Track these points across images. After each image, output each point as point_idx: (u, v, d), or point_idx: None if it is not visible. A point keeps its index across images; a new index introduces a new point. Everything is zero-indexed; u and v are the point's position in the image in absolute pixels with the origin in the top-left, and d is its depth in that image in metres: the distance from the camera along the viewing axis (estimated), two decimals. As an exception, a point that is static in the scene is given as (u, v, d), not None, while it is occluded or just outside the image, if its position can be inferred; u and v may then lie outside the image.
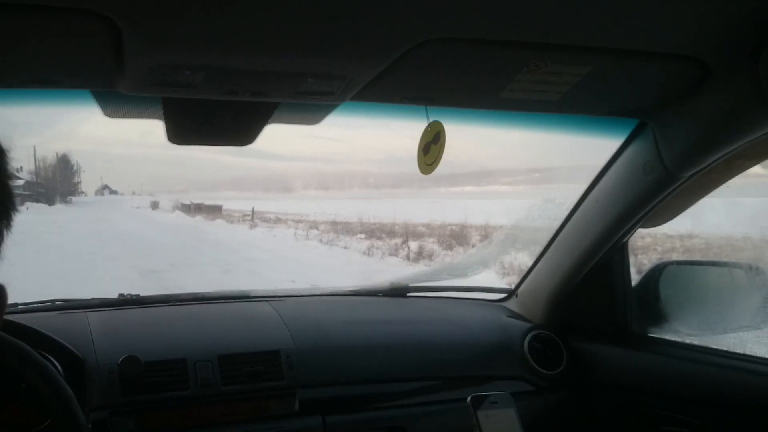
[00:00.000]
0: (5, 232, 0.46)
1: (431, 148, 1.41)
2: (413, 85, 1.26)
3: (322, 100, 1.28)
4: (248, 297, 2.14)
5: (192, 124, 1.39)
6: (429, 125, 1.40)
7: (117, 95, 1.23)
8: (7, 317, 1.53)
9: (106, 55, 1.02)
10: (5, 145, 0.46)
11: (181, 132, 1.41)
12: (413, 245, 16.39)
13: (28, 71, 1.09)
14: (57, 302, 1.92)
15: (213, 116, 1.36)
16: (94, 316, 1.77)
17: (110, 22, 0.91)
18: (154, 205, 39.78)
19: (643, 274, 2.03)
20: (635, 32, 1.09)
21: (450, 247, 16.41)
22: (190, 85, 1.14)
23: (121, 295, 1.98)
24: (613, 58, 1.18)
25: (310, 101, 1.29)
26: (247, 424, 1.63)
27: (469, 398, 1.03)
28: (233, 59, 1.07)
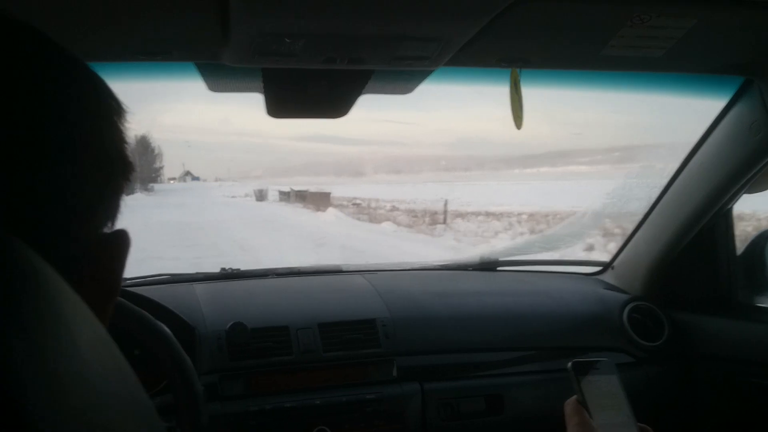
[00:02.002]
0: (124, 186, 0.48)
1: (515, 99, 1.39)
2: (510, 46, 1.25)
3: (417, 65, 1.28)
4: (341, 270, 2.18)
5: (290, 96, 1.43)
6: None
7: (220, 68, 1.28)
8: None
9: (213, 25, 1.06)
10: (120, 103, 0.48)
11: (280, 104, 1.45)
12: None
13: (138, 43, 1.15)
14: (162, 276, 2.01)
15: (310, 87, 1.39)
16: (200, 288, 1.85)
17: None
18: (260, 195, 32.86)
19: (749, 241, 1.95)
20: None
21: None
22: (290, 54, 1.17)
23: (223, 269, 2.05)
24: (720, 9, 1.14)
25: (405, 67, 1.30)
26: (348, 388, 1.67)
27: (569, 364, 1.01)
28: (331, 25, 1.09)
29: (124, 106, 0.48)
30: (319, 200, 26.81)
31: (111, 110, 0.46)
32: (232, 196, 34.74)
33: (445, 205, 19.52)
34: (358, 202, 26.05)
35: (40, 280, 0.31)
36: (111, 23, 1.05)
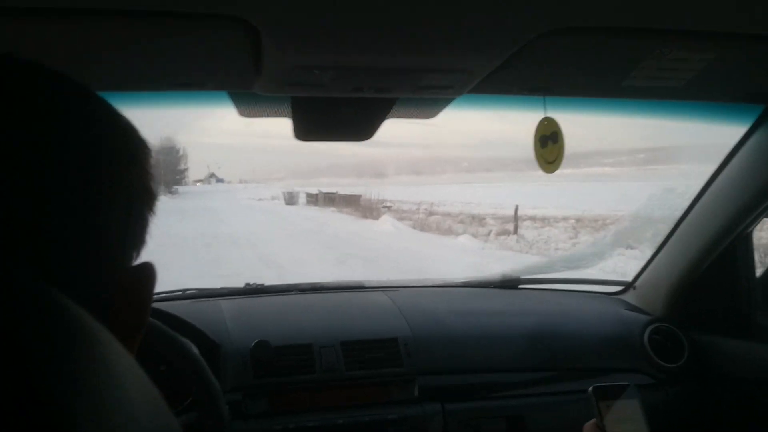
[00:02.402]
0: (149, 217, 0.51)
1: (549, 146, 1.41)
2: (533, 76, 1.27)
3: (441, 94, 1.31)
4: (363, 287, 2.20)
5: (318, 121, 1.46)
6: (546, 120, 1.41)
7: (251, 96, 1.31)
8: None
9: (246, 58, 1.10)
10: (143, 138, 0.51)
11: (308, 129, 1.49)
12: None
13: (174, 75, 1.19)
14: (188, 291, 2.05)
15: (337, 113, 1.42)
16: (225, 304, 1.89)
17: (250, 26, 0.98)
18: (290, 198, 30.37)
19: (770, 264, 1.96)
20: (763, 15, 1.07)
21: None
22: (319, 84, 1.20)
23: (247, 284, 2.09)
24: (740, 43, 1.15)
25: (429, 95, 1.33)
26: (369, 408, 1.69)
27: (590, 388, 1.02)
28: (360, 57, 1.12)
29: (148, 145, 0.50)
30: (350, 203, 25.55)
31: (136, 149, 0.48)
32: (259, 199, 33.40)
33: (516, 211, 17.14)
34: (406, 206, 23.31)
35: (86, 332, 0.32)
36: (152, 56, 1.10)
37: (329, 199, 27.53)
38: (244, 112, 1.42)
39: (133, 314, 0.47)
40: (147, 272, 0.48)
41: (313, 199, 29.19)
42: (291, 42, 1.03)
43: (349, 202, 25.67)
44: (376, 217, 19.95)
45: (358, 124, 1.51)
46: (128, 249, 0.47)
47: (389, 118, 1.50)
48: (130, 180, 0.46)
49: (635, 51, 1.15)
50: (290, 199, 30.96)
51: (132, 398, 0.32)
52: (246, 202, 31.44)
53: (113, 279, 0.44)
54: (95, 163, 0.43)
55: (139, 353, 1.38)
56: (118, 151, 0.46)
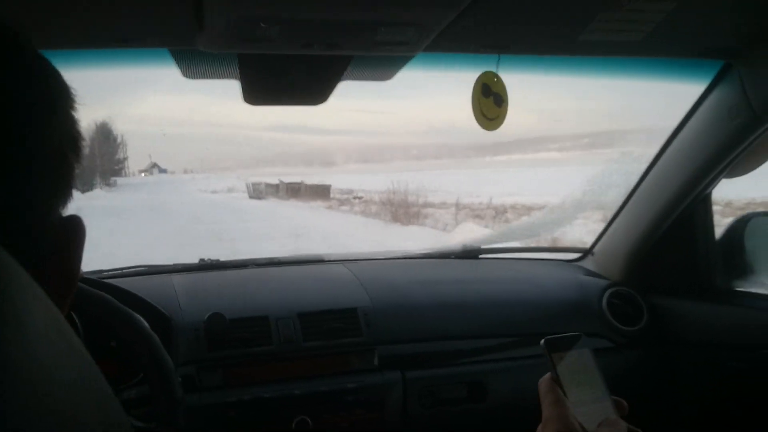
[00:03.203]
0: (75, 166, 0.48)
1: (491, 102, 1.38)
2: (489, 31, 1.24)
3: (396, 50, 1.27)
4: (322, 260, 2.16)
5: (268, 82, 1.41)
6: (495, 76, 1.37)
7: (195, 54, 1.25)
8: (96, 279, 1.60)
9: (186, 11, 1.04)
10: (67, 84, 0.48)
11: (258, 91, 1.43)
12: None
13: (110, 30, 1.12)
14: (139, 267, 1.99)
15: (288, 73, 1.37)
16: (177, 279, 1.83)
17: None
18: (256, 192, 25.12)
19: (727, 226, 1.97)
20: None
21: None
22: (266, 39, 1.15)
23: (201, 260, 2.03)
24: None
25: (384, 52, 1.28)
26: (329, 378, 1.66)
27: (542, 341, 1.00)
28: (308, 10, 1.07)
29: (72, 90, 0.47)
30: (318, 194, 22.15)
31: (58, 95, 0.46)
32: (213, 191, 27.96)
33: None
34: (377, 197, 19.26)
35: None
36: (84, 9, 1.03)
37: (293, 190, 23.72)
38: (189, 72, 1.35)
39: (61, 268, 0.46)
40: (75, 224, 0.47)
41: (273, 190, 24.88)
42: None
43: (318, 193, 22.49)
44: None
45: (311, 85, 1.46)
46: (54, 198, 0.45)
47: (344, 79, 1.45)
48: (52, 127, 0.44)
49: (592, 2, 1.12)
50: (256, 193, 25.43)
51: (35, 331, 0.31)
52: (199, 195, 26.66)
53: (38, 227, 0.43)
54: (14, 111, 0.41)
55: (90, 328, 1.32)
56: (39, 98, 0.44)
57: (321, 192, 22.97)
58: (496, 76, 1.38)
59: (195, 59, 1.29)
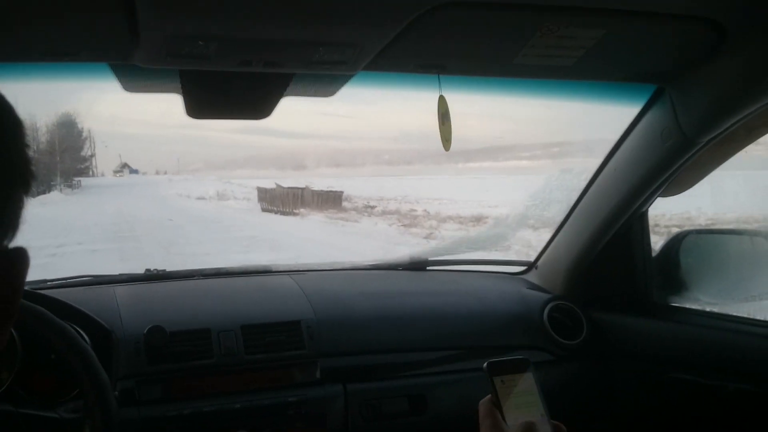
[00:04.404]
0: (25, 199, 0.48)
1: (446, 124, 1.41)
2: (426, 52, 1.26)
3: (335, 69, 1.29)
4: (270, 271, 2.17)
5: (209, 97, 1.41)
6: (440, 98, 1.40)
7: (135, 69, 1.25)
8: (35, 292, 1.58)
9: (121, 26, 1.04)
10: (20, 117, 0.48)
11: (199, 105, 1.44)
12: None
13: (45, 44, 1.12)
14: (84, 278, 1.96)
15: (229, 89, 1.38)
16: (120, 290, 1.82)
17: None
18: (268, 199, 20.24)
19: (663, 243, 2.03)
20: None
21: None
22: (204, 57, 1.16)
23: (147, 270, 2.01)
24: (628, 21, 1.18)
25: (323, 71, 1.30)
26: (270, 391, 1.66)
27: (485, 364, 1.02)
28: (245, 29, 1.08)
29: (23, 124, 0.47)
30: (330, 203, 18.89)
31: (10, 129, 0.46)
32: (199, 197, 22.67)
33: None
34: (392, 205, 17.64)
35: None
36: (13, 22, 1.02)
37: (295, 197, 19.60)
38: (129, 86, 1.35)
39: (2, 299, 0.46)
40: (18, 256, 0.47)
41: (267, 196, 20.97)
42: (168, 8, 0.99)
43: (330, 202, 18.80)
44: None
45: (253, 101, 1.47)
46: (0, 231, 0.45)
47: (287, 95, 1.46)
48: (2, 162, 0.44)
49: (524, 27, 1.16)
50: (268, 202, 19.51)
51: None
52: (182, 203, 21.63)
53: None
54: None
55: (29, 341, 1.30)
56: None
57: (333, 200, 19.84)
58: (441, 98, 1.41)
59: (135, 73, 1.29)
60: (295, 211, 18.76)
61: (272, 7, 1.02)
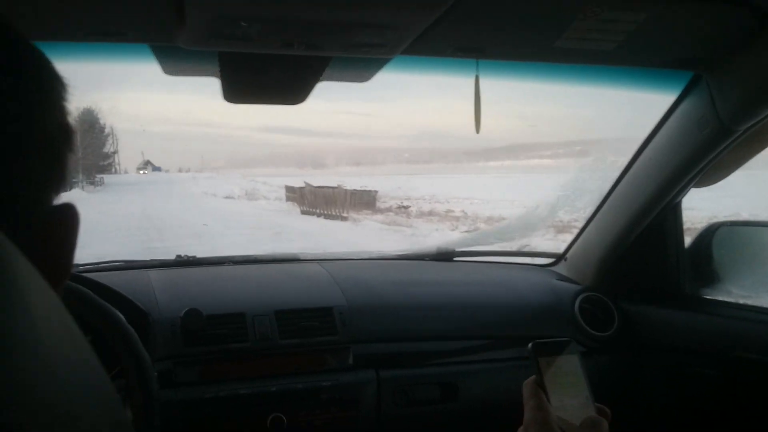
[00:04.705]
0: (68, 156, 0.49)
1: (477, 107, 1.41)
2: (466, 35, 1.26)
3: (374, 52, 1.29)
4: (298, 259, 2.18)
5: (247, 81, 1.42)
6: (476, 79, 1.40)
7: (176, 51, 1.26)
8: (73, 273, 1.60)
9: (168, 7, 1.05)
10: (65, 80, 0.48)
11: (237, 89, 1.45)
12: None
13: (92, 23, 1.13)
14: (116, 262, 1.99)
15: (267, 72, 1.38)
16: (154, 274, 1.84)
17: None
18: (310, 200, 18.48)
19: (696, 235, 2.01)
20: None
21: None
22: (246, 38, 1.16)
23: (178, 256, 2.04)
24: (671, 4, 1.17)
25: (362, 54, 1.30)
26: (304, 376, 1.67)
27: (530, 344, 1.00)
28: (289, 10, 1.09)
29: (65, 81, 0.47)
30: (365, 204, 17.69)
31: (50, 86, 0.46)
32: (227, 197, 21.39)
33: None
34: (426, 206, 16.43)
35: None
36: (63, 2, 1.04)
37: (330, 197, 18.19)
38: (169, 68, 1.37)
39: (55, 256, 0.45)
40: (68, 212, 0.46)
41: (297, 195, 19.73)
42: None
43: (365, 202, 17.42)
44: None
45: (290, 85, 1.48)
46: (47, 189, 0.45)
47: (322, 80, 1.47)
48: (44, 117, 0.44)
49: (567, 10, 1.15)
50: (306, 203, 17.50)
51: (37, 315, 0.31)
52: (210, 202, 20.67)
53: (32, 214, 0.42)
54: (5, 100, 0.41)
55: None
56: (31, 87, 0.44)
57: (367, 200, 18.50)
58: (477, 79, 1.41)
59: (175, 56, 1.31)
60: (343, 214, 17.37)
61: None
